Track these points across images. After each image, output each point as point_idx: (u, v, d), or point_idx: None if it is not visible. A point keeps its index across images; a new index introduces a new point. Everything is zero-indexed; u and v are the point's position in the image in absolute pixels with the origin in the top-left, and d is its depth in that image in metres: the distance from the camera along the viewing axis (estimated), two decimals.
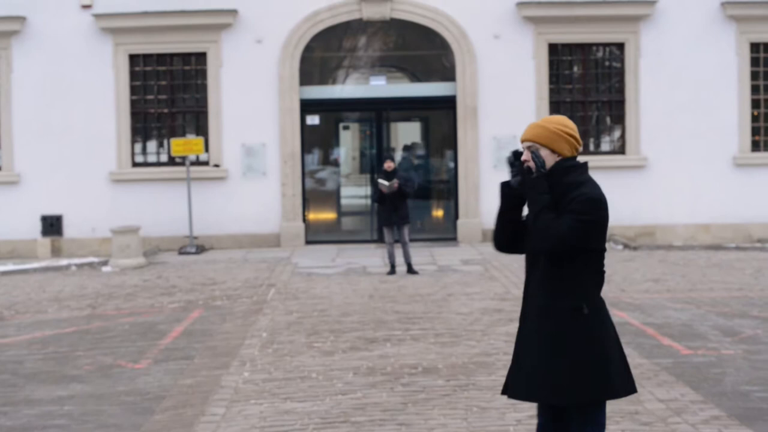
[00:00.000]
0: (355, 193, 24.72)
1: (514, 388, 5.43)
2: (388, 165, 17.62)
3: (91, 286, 17.31)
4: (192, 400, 9.05)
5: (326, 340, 11.63)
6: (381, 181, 17.55)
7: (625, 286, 15.77)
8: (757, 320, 12.64)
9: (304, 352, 10.98)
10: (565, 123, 5.38)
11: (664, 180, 22.21)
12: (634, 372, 9.37)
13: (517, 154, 5.32)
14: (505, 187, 5.39)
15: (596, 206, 5.20)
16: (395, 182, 17.36)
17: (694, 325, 12.36)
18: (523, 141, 5.38)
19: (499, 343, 11.14)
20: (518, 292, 5.65)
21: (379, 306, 14.13)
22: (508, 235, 5.45)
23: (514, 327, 8.11)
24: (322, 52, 23.33)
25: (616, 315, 12.48)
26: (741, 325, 12.32)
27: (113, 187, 22.21)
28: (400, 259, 17.89)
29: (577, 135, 5.39)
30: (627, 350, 10.28)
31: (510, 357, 5.63)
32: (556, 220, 5.16)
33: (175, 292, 16.22)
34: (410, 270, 17.61)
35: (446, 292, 15.33)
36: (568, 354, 5.22)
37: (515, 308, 5.84)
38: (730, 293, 15.08)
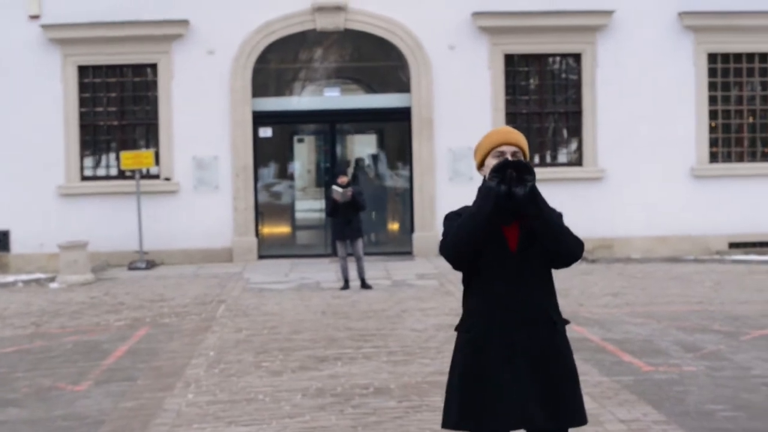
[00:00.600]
0: (310, 207, 24.31)
1: (536, 415, 4.80)
2: (342, 179, 17.28)
3: (36, 304, 16.82)
4: (132, 425, 8.62)
5: (275, 359, 11.23)
6: (335, 187, 17.19)
7: (584, 300, 15.48)
8: (719, 335, 12.37)
9: (251, 373, 10.57)
10: None
11: (622, 192, 21.99)
12: (594, 390, 9.08)
13: (507, 163, 4.88)
14: (499, 194, 4.77)
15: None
16: (349, 190, 17.03)
17: (655, 340, 12.07)
18: (508, 144, 4.98)
19: None
20: None
21: (331, 323, 13.74)
22: (479, 242, 4.86)
23: None
24: (277, 64, 22.96)
25: (575, 330, 12.17)
26: (702, 340, 12.04)
27: (62, 201, 21.71)
28: (354, 274, 17.54)
29: None
30: (586, 367, 9.98)
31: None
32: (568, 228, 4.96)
33: (123, 310, 15.76)
34: (364, 285, 17.27)
35: (400, 308, 14.97)
36: (574, 371, 5.03)
37: None
38: (690, 307, 14.82)
